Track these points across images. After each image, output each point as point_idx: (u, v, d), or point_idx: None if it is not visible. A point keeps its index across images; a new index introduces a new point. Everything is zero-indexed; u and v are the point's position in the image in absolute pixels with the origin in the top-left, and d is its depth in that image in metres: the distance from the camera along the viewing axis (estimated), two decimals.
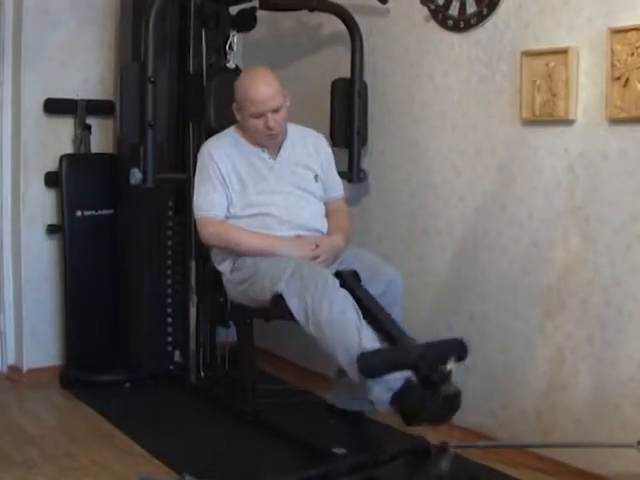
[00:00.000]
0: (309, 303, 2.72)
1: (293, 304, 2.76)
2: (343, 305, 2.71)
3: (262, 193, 3.12)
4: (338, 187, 3.32)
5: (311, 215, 3.15)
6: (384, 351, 2.67)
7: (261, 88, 3.06)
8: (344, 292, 2.75)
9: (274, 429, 3.22)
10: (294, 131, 3.24)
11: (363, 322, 2.70)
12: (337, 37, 3.79)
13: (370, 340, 2.67)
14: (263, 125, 3.06)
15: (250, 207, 3.11)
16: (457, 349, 2.68)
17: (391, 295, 2.95)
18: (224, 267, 3.16)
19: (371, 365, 2.58)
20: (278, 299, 2.79)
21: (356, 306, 2.73)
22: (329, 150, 3.32)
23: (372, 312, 2.75)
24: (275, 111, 3.07)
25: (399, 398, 2.61)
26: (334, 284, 2.76)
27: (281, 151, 3.19)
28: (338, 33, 3.73)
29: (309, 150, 3.23)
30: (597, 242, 2.78)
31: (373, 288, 2.92)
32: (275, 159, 3.17)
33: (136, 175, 3.14)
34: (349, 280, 2.87)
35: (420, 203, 3.44)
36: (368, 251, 3.25)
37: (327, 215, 3.22)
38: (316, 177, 3.22)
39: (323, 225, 3.18)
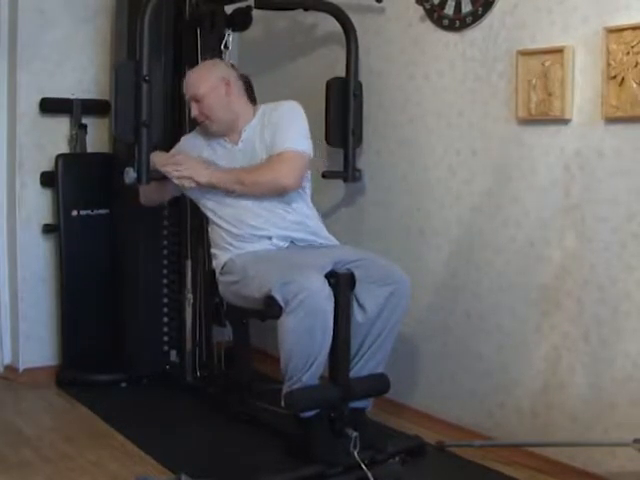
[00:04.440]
0: (289, 302, 2.75)
1: (281, 299, 2.78)
2: (316, 322, 2.76)
3: None
4: (285, 142, 3.09)
5: (280, 211, 3.14)
6: (310, 390, 2.86)
7: (185, 78, 3.27)
8: (323, 308, 2.78)
9: (270, 429, 3.22)
10: (265, 109, 3.24)
11: (322, 350, 2.82)
12: (332, 36, 3.79)
13: (312, 376, 2.84)
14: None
15: (213, 195, 3.18)
16: (380, 386, 3.02)
17: (397, 298, 2.96)
18: (216, 264, 3.19)
19: (296, 403, 2.84)
20: (270, 300, 2.79)
21: (328, 324, 2.80)
22: (290, 110, 3.19)
23: (336, 335, 2.86)
24: (196, 100, 3.18)
25: (303, 423, 2.91)
26: (321, 293, 2.78)
27: (243, 135, 3.20)
28: (333, 32, 3.73)
29: (271, 122, 3.17)
30: (593, 241, 2.78)
31: (382, 289, 2.94)
32: (237, 144, 3.21)
33: (130, 174, 3.13)
34: (342, 283, 2.87)
35: (416, 202, 3.44)
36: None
37: None
38: None
39: (287, 215, 3.14)
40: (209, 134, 3.26)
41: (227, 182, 3.11)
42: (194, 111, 3.20)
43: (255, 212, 3.11)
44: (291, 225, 3.13)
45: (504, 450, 3.03)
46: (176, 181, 3.15)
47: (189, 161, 3.17)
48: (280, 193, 3.10)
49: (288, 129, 3.13)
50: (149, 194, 3.44)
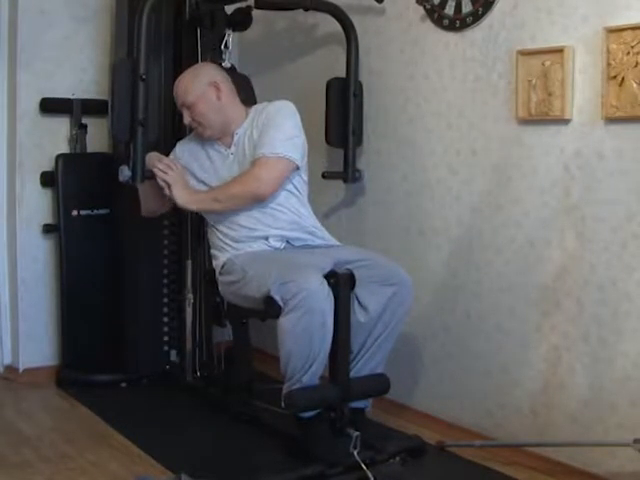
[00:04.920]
0: (288, 302, 2.75)
1: (280, 299, 2.78)
2: (314, 322, 2.75)
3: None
4: (262, 147, 3.06)
5: (274, 212, 3.13)
6: (310, 391, 2.85)
7: (174, 86, 3.24)
8: (321, 308, 2.76)
9: (270, 429, 3.22)
10: (257, 110, 3.23)
11: (321, 351, 2.81)
12: (332, 37, 3.79)
13: (312, 376, 2.83)
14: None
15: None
16: (380, 386, 3.02)
17: (399, 298, 2.97)
18: (215, 264, 3.20)
19: (296, 404, 2.83)
20: (269, 300, 2.79)
21: (327, 324, 2.78)
22: (276, 112, 3.15)
23: (336, 336, 2.85)
24: (187, 107, 3.17)
25: (303, 423, 2.91)
26: (319, 293, 2.77)
27: (234, 139, 3.20)
28: (333, 33, 3.73)
29: (258, 125, 3.16)
30: (593, 241, 2.78)
31: (385, 289, 2.95)
32: (230, 148, 3.20)
33: (125, 172, 3.13)
34: (342, 283, 2.86)
35: (416, 203, 3.44)
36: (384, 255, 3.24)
37: None
38: None
39: (279, 216, 3.13)
40: (203, 139, 3.25)
41: (205, 204, 3.14)
42: (186, 118, 3.18)
43: (248, 214, 3.11)
44: (286, 225, 3.12)
45: (504, 450, 3.03)
46: (159, 180, 3.15)
47: (178, 175, 3.16)
48: (258, 201, 3.07)
49: (269, 133, 3.09)
50: (148, 203, 3.40)
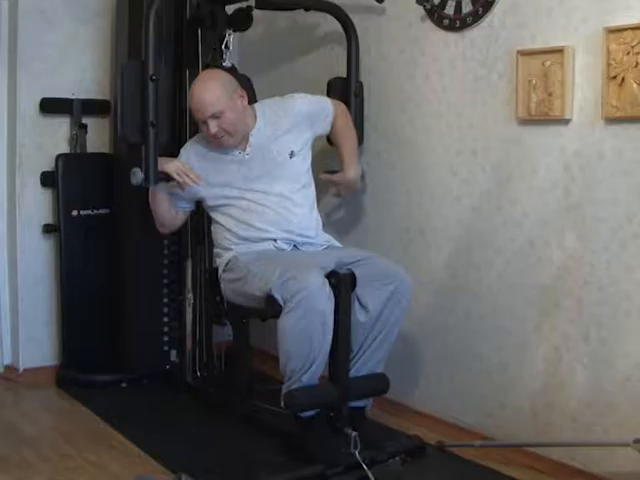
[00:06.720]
0: (288, 301, 2.76)
1: (280, 298, 2.79)
2: (314, 322, 2.75)
3: (232, 189, 3.18)
4: (325, 110, 3.35)
5: (288, 215, 3.15)
6: (309, 390, 2.86)
7: (198, 95, 3.11)
8: (321, 308, 2.76)
9: (270, 429, 3.22)
10: (267, 107, 3.26)
11: (321, 351, 2.81)
12: (333, 36, 3.79)
13: (312, 376, 2.84)
14: (206, 131, 3.11)
15: (222, 198, 3.18)
16: (379, 386, 3.02)
17: (398, 296, 2.97)
18: (219, 263, 3.20)
19: (295, 403, 2.83)
20: (271, 299, 2.79)
21: (327, 324, 2.79)
22: (300, 99, 3.32)
23: (336, 335, 2.86)
24: (215, 117, 3.09)
25: (302, 423, 2.91)
26: (319, 293, 2.77)
27: (250, 140, 3.20)
28: (334, 32, 3.73)
29: (280, 119, 3.21)
30: (593, 241, 2.78)
31: (383, 287, 2.95)
32: (245, 150, 3.19)
33: (138, 175, 3.11)
34: (343, 283, 2.86)
35: (416, 203, 3.44)
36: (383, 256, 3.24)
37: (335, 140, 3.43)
38: (291, 153, 3.20)
39: (303, 220, 3.18)
40: (220, 146, 3.19)
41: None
42: (213, 128, 3.08)
43: (262, 216, 3.12)
44: (296, 229, 3.15)
45: (504, 450, 3.03)
46: (169, 172, 3.12)
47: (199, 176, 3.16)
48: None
49: (312, 103, 3.32)
50: (161, 217, 3.34)
